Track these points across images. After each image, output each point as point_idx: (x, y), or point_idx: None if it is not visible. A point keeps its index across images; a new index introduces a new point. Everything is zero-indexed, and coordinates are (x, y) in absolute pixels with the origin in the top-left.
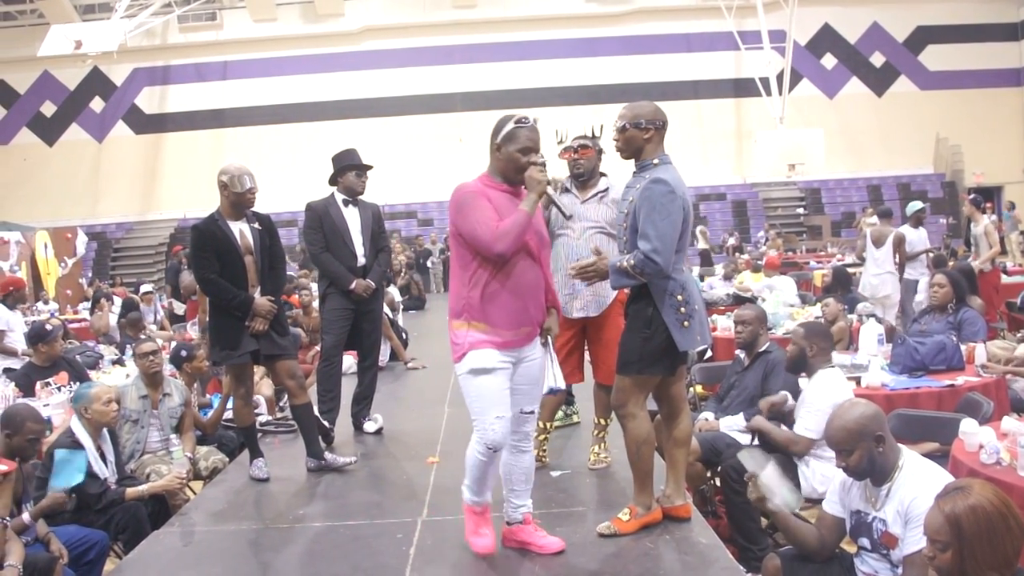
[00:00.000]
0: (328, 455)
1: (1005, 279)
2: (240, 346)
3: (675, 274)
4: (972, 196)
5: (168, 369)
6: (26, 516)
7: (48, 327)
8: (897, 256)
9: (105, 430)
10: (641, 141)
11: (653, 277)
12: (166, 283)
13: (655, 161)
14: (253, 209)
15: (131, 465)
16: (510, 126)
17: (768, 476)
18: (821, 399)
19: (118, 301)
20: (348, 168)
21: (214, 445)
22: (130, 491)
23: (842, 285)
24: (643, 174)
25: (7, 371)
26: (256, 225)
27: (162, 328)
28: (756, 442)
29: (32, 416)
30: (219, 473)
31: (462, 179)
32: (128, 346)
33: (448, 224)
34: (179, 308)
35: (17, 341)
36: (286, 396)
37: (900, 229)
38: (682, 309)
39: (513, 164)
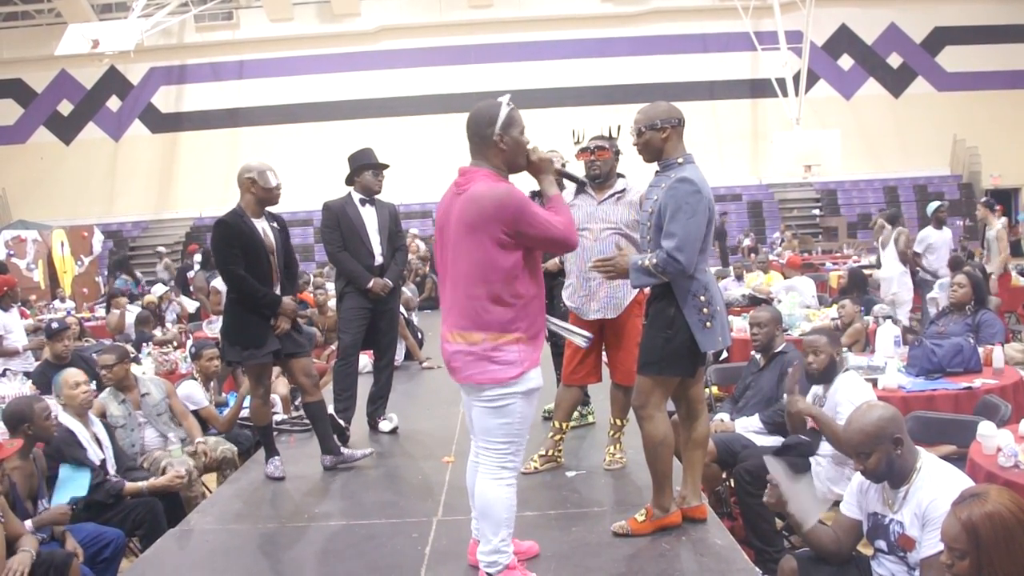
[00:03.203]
0: (344, 450)
1: (1022, 281)
2: (265, 345)
3: (698, 274)
4: (985, 199)
5: (186, 367)
6: (28, 524)
7: (54, 324)
8: (904, 252)
9: (93, 416)
10: (660, 142)
11: (676, 276)
12: (175, 283)
13: (679, 160)
14: (268, 208)
15: (145, 464)
16: (507, 110)
17: (799, 489)
18: (860, 400)
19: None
20: (364, 167)
21: (220, 436)
22: (129, 485)
23: (858, 287)
24: (667, 173)
25: (12, 372)
26: (274, 224)
27: (180, 324)
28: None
29: (32, 399)
30: (228, 462)
31: None
32: (144, 344)
33: (491, 233)
34: (189, 306)
35: (17, 340)
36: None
37: (923, 231)
38: (705, 310)
39: (521, 149)
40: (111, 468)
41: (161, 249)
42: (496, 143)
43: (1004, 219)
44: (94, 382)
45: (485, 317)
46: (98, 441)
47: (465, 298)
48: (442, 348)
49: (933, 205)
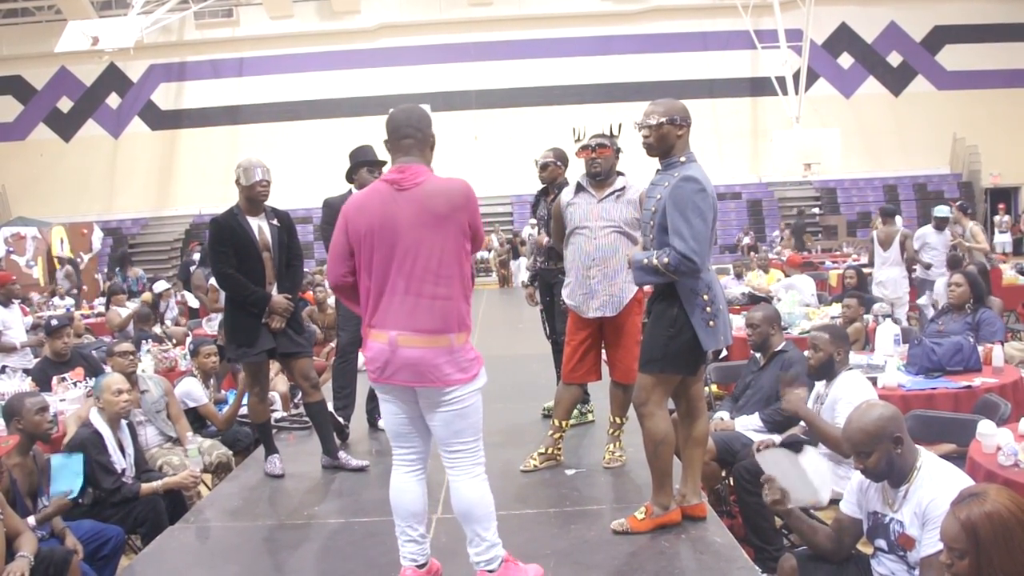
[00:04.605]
0: (342, 455)
1: (1020, 280)
2: (257, 344)
3: (702, 272)
4: (959, 203)
5: (185, 364)
6: (31, 520)
7: (54, 322)
8: (904, 254)
9: (124, 422)
10: (675, 138)
11: (686, 276)
12: (178, 278)
13: (682, 159)
14: (272, 205)
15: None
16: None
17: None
18: (859, 399)
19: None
20: (361, 164)
21: (218, 439)
22: (145, 487)
23: (861, 285)
24: (671, 172)
25: (11, 369)
26: (274, 221)
27: (178, 324)
28: (777, 439)
29: (25, 395)
30: (223, 466)
31: (477, 176)
32: (143, 342)
33: (459, 223)
34: (192, 302)
35: (16, 337)
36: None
37: (923, 229)
38: (708, 309)
39: None
40: (129, 473)
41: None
42: (432, 143)
43: (1006, 218)
44: (92, 377)
45: (454, 316)
46: (121, 448)
47: (428, 298)
48: (392, 354)
49: (941, 211)
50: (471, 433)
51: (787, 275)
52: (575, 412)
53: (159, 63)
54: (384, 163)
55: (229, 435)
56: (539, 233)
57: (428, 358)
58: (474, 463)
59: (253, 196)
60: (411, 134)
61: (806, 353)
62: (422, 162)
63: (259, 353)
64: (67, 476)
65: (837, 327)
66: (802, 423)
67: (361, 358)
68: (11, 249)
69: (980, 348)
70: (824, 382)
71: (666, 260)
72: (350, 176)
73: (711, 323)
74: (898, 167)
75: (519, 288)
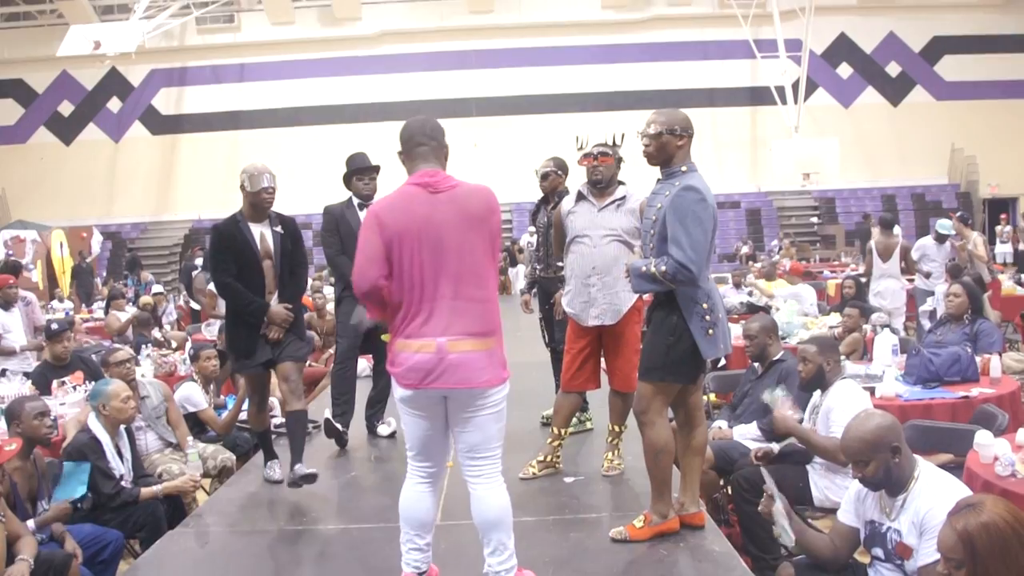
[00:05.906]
0: (298, 466)
1: (1017, 291)
2: (255, 355)
3: (701, 282)
4: (959, 214)
5: (184, 369)
6: (31, 523)
7: (54, 325)
8: (904, 264)
9: (123, 428)
10: (674, 148)
11: (684, 285)
12: (179, 282)
13: (683, 168)
14: (278, 212)
15: (145, 466)
16: None
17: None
18: (852, 408)
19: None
20: (352, 173)
21: (220, 443)
22: (144, 491)
23: (860, 295)
24: (671, 181)
25: (12, 372)
26: (278, 228)
27: (179, 328)
28: (776, 448)
29: (25, 399)
30: (227, 471)
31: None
32: (142, 346)
33: (492, 226)
34: (195, 305)
35: (16, 340)
36: None
37: (923, 240)
38: (707, 317)
39: None
40: (128, 479)
41: None
42: (446, 153)
43: (1009, 229)
44: (92, 381)
45: (496, 318)
46: (120, 454)
47: (475, 301)
48: (439, 360)
49: (945, 226)
50: (499, 437)
51: (792, 284)
52: (574, 420)
53: (160, 68)
54: (377, 168)
55: (229, 440)
56: (536, 241)
57: (476, 360)
58: (498, 470)
59: (258, 203)
60: (424, 141)
61: (799, 366)
62: (441, 169)
63: (257, 365)
64: (73, 484)
65: (824, 337)
66: None
67: (360, 364)
68: (11, 252)
69: (978, 358)
70: (819, 392)
71: (664, 268)
72: (347, 185)
73: (710, 332)
74: (896, 177)
75: (517, 296)
